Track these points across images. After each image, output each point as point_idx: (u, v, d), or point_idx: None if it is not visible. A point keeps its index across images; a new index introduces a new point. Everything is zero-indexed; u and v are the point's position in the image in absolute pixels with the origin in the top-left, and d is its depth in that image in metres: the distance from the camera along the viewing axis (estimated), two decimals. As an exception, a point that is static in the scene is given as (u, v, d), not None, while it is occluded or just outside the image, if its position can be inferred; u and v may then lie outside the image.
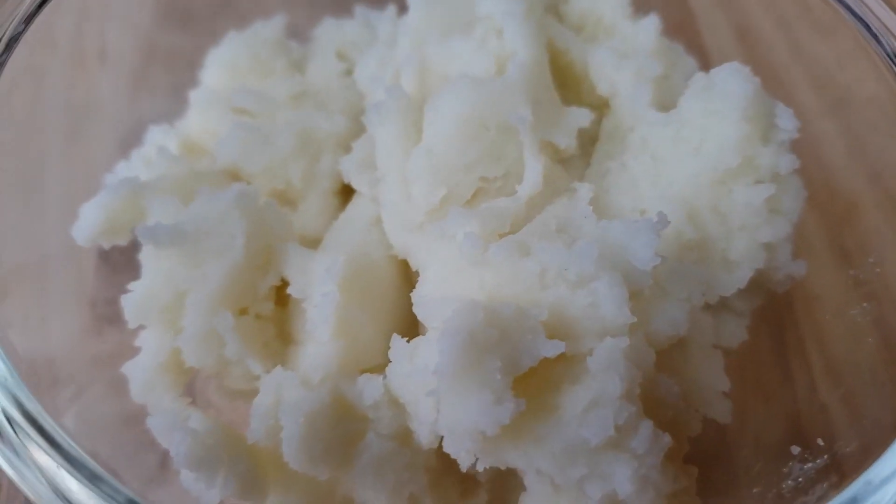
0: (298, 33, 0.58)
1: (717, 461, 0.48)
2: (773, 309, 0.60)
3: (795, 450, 0.42)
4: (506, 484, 0.44)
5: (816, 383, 0.51)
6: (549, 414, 0.36)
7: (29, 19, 0.50)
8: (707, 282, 0.40)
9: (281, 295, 0.47)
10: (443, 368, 0.34)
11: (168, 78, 0.69)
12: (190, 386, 0.52)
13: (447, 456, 0.42)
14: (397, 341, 0.39)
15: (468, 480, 0.44)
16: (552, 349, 0.36)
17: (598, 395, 0.36)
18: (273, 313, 0.46)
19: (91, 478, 0.36)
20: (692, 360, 0.43)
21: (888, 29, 0.50)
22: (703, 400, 0.44)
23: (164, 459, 0.49)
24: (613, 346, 0.36)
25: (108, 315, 0.59)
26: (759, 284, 0.50)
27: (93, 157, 0.66)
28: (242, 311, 0.45)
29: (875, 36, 0.53)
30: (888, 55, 0.52)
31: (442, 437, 0.39)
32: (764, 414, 0.51)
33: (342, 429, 0.39)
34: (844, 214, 0.64)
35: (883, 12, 0.51)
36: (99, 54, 0.71)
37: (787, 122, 0.43)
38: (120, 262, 0.57)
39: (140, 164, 0.50)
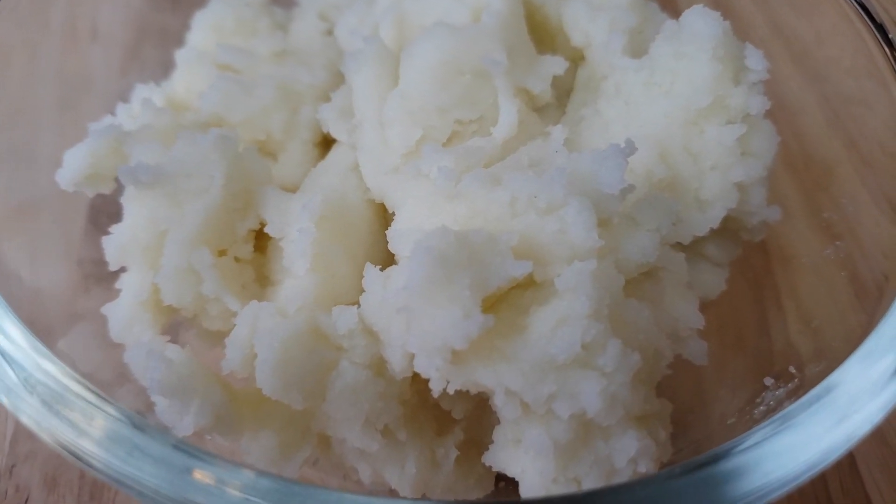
0: (284, 1, 0.60)
1: (694, 400, 0.49)
2: (751, 268, 0.60)
3: (769, 381, 0.42)
4: (482, 421, 0.45)
5: (789, 329, 0.51)
6: (518, 333, 0.37)
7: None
8: (677, 213, 0.41)
9: (261, 241, 0.48)
10: (412, 284, 0.35)
11: (158, 54, 0.71)
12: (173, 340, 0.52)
13: (423, 391, 0.42)
14: (370, 270, 0.40)
15: (444, 417, 0.45)
16: (520, 269, 0.36)
17: (565, 313, 0.36)
18: (253, 257, 0.47)
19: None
20: (666, 297, 0.43)
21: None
22: (677, 337, 0.44)
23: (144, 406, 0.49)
24: (581, 269, 0.37)
25: (96, 274, 0.60)
26: (734, 232, 0.51)
27: (83, 128, 0.67)
28: (221, 253, 0.45)
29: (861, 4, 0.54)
30: (874, 26, 0.53)
31: (417, 374, 0.40)
32: (741, 359, 0.52)
33: (316, 357, 0.39)
34: (821, 180, 0.65)
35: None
36: (91, 32, 0.73)
37: (756, 62, 0.44)
38: (108, 224, 0.58)
39: (126, 118, 0.51)
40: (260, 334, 0.39)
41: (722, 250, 0.51)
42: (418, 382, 0.42)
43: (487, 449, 0.44)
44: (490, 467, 0.42)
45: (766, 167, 0.46)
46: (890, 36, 0.54)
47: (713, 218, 0.45)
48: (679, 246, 0.47)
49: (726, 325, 0.56)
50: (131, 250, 0.44)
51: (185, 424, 0.39)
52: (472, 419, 0.45)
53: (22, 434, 0.56)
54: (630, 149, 0.38)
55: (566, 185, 0.37)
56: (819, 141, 0.68)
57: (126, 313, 0.45)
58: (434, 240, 0.36)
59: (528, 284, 0.39)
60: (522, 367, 0.36)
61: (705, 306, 0.57)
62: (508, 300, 0.39)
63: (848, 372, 0.34)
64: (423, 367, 0.36)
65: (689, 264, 0.50)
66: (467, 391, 0.42)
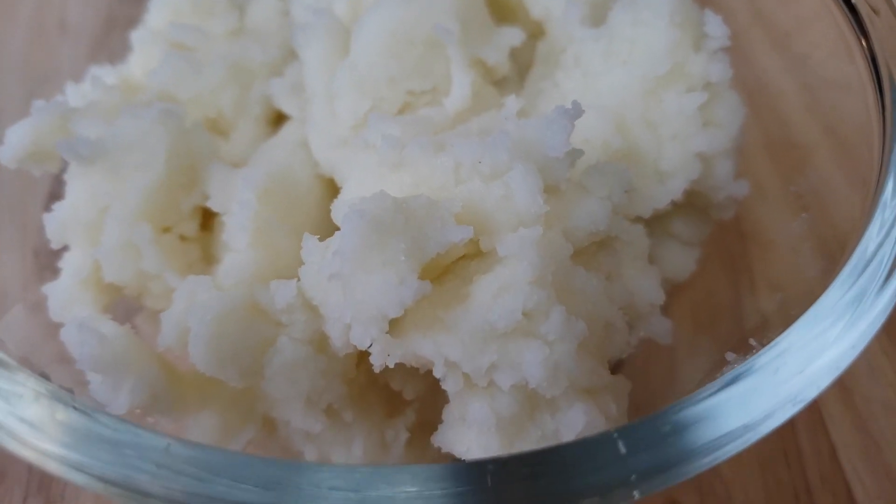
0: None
1: (667, 384, 0.47)
2: (727, 251, 0.59)
3: (730, 356, 0.40)
4: (435, 403, 0.43)
5: (763, 307, 0.49)
6: (460, 302, 0.35)
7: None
8: (629, 180, 0.39)
9: (208, 220, 0.47)
10: (345, 249, 0.33)
11: (126, 45, 0.70)
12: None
13: (372, 370, 0.41)
14: (309, 240, 0.38)
15: (395, 398, 0.43)
16: (460, 234, 0.34)
17: (507, 281, 0.34)
18: (199, 235, 0.45)
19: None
20: (624, 270, 0.41)
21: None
22: (638, 314, 0.42)
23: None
24: (525, 235, 0.35)
25: (51, 265, 0.58)
26: (703, 210, 0.49)
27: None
28: (166, 230, 0.44)
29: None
30: (850, 13, 0.52)
31: (364, 352, 0.38)
32: (716, 342, 0.50)
33: (253, 332, 0.38)
34: (799, 163, 0.64)
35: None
36: (59, 25, 0.72)
37: (716, 28, 0.43)
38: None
39: (75, 97, 0.50)
40: (194, 308, 0.37)
41: (691, 228, 0.49)
42: (366, 362, 0.40)
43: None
44: (440, 449, 0.40)
45: (731, 138, 0.45)
46: (864, 24, 0.52)
47: (674, 189, 0.43)
48: (644, 223, 0.45)
49: (700, 306, 0.54)
50: (73, 227, 0.43)
51: (119, 402, 0.37)
52: (425, 401, 0.44)
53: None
54: (577, 111, 0.36)
55: (511, 149, 0.36)
56: (799, 125, 0.66)
57: (66, 292, 0.43)
58: (369, 203, 0.34)
59: (474, 254, 0.38)
60: (462, 336, 0.34)
61: (679, 289, 0.55)
62: (455, 271, 0.38)
63: (792, 336, 0.32)
64: (359, 338, 0.35)
65: (657, 243, 0.49)
66: (418, 370, 0.40)
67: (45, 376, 0.36)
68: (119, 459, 0.31)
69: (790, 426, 0.56)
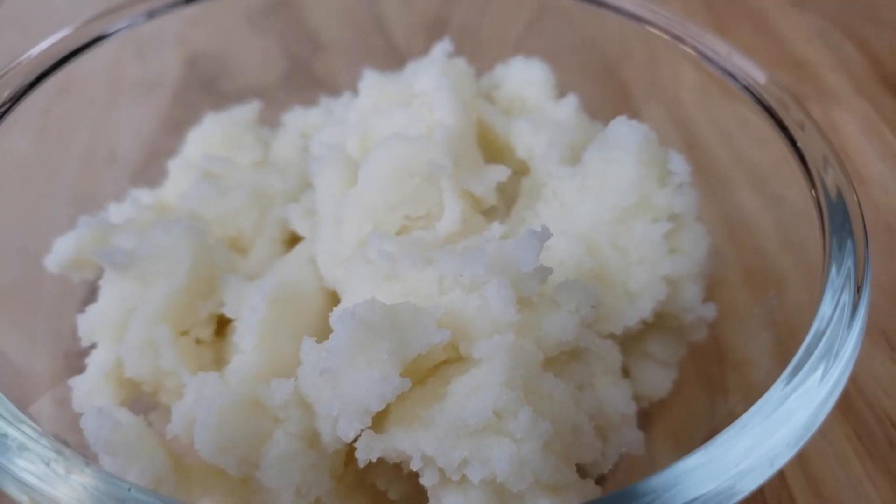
0: (272, 123, 0.67)
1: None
2: (706, 372, 0.62)
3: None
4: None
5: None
6: (437, 400, 0.39)
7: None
8: (597, 296, 0.43)
9: (222, 327, 0.51)
10: (335, 346, 0.38)
11: (164, 172, 0.78)
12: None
13: (359, 470, 0.44)
14: (307, 342, 0.43)
15: (381, 498, 0.46)
16: (439, 336, 0.39)
17: (480, 381, 0.38)
18: (212, 340, 0.50)
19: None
20: (596, 382, 0.45)
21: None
22: (610, 424, 0.46)
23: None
24: (499, 341, 0.39)
25: (79, 366, 0.64)
26: (677, 330, 0.53)
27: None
28: (183, 333, 0.49)
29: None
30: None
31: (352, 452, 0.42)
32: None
33: (253, 425, 0.42)
34: (776, 290, 0.69)
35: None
36: (109, 155, 0.81)
37: (678, 166, 0.49)
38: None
39: (116, 215, 0.56)
40: (201, 400, 0.41)
41: (665, 349, 0.53)
42: (354, 462, 0.44)
43: None
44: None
45: (696, 264, 0.49)
46: (812, 177, 0.56)
47: (642, 308, 0.47)
48: (620, 342, 0.50)
49: (680, 425, 0.57)
50: (101, 327, 0.48)
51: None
52: (410, 501, 0.46)
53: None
54: (545, 234, 0.42)
55: (488, 265, 0.41)
56: (775, 257, 0.72)
57: (90, 384, 0.48)
58: (360, 308, 0.39)
59: (455, 359, 0.42)
60: (438, 432, 0.38)
61: (659, 408, 0.58)
62: (436, 374, 0.42)
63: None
64: (344, 430, 0.38)
65: (634, 363, 0.53)
66: (402, 471, 0.43)
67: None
68: None
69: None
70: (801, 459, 0.61)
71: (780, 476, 0.59)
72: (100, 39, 0.61)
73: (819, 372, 0.38)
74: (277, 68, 0.85)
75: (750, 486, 0.35)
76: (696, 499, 0.33)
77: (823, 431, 0.63)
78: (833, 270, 0.43)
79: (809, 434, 0.37)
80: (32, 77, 0.57)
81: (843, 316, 0.41)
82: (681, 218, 0.49)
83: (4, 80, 0.55)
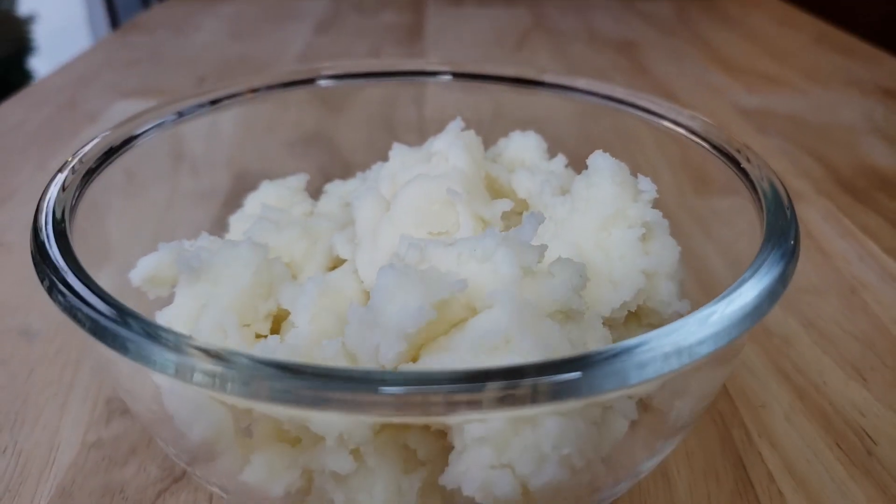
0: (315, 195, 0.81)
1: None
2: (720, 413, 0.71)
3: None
4: (443, 468, 0.52)
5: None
6: (459, 331, 0.48)
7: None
8: (584, 272, 0.54)
9: (277, 325, 0.61)
10: (378, 288, 0.48)
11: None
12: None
13: (392, 431, 0.52)
14: (353, 306, 0.52)
15: (411, 458, 0.53)
16: (459, 285, 0.49)
17: (492, 316, 0.48)
18: (269, 335, 0.60)
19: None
20: (588, 340, 0.54)
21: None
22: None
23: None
24: (507, 290, 0.49)
25: (121, 409, 0.73)
26: (657, 325, 0.62)
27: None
28: (245, 325, 0.58)
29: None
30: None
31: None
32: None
33: (306, 373, 0.50)
34: (781, 346, 0.80)
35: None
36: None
37: (647, 186, 0.61)
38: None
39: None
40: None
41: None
42: (389, 427, 0.52)
43: (447, 498, 0.52)
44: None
45: (669, 265, 0.60)
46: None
47: (625, 293, 0.57)
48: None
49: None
50: (177, 320, 0.58)
51: (193, 433, 0.49)
52: (436, 464, 0.53)
53: None
54: (540, 217, 0.53)
55: (496, 239, 0.52)
56: (777, 322, 0.83)
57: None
58: (398, 264, 0.50)
59: (469, 311, 0.52)
60: (459, 353, 0.47)
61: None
62: (458, 327, 0.51)
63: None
64: (385, 353, 0.47)
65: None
66: (432, 433, 0.52)
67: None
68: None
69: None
70: (787, 463, 0.67)
71: (769, 476, 0.66)
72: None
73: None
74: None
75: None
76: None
77: (807, 442, 0.69)
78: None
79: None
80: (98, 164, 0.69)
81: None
82: (652, 227, 0.60)
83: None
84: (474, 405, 0.39)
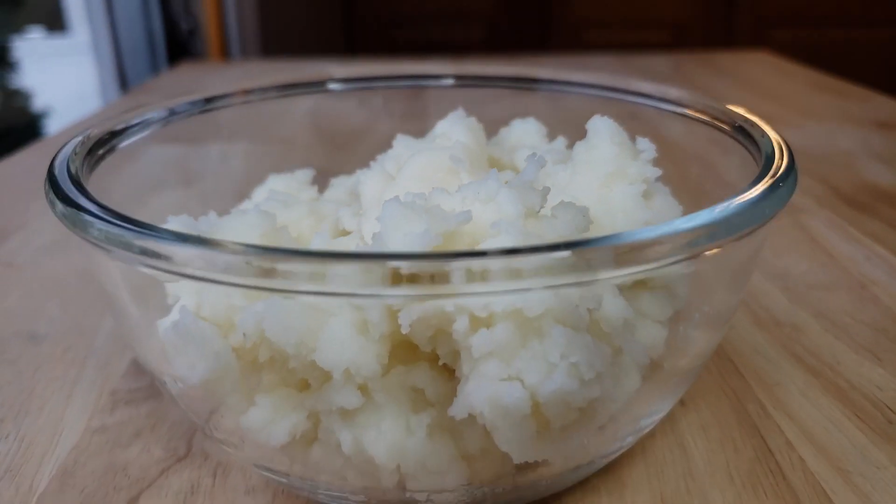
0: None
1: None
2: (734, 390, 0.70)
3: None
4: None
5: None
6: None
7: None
8: (587, 214, 0.54)
9: (283, 291, 0.61)
10: (384, 218, 0.49)
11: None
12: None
13: (400, 373, 0.52)
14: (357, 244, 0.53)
15: (419, 398, 0.52)
16: (463, 216, 0.50)
17: (496, 242, 0.48)
18: (275, 297, 0.60)
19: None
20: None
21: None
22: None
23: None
24: (509, 221, 0.50)
25: (126, 399, 0.73)
26: (663, 289, 0.62)
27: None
28: (252, 285, 0.59)
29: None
30: None
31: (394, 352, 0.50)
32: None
33: (312, 317, 0.50)
34: (791, 334, 0.80)
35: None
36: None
37: (645, 146, 0.62)
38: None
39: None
40: (271, 299, 0.51)
41: (656, 307, 0.61)
42: (398, 359, 0.52)
43: (457, 437, 0.51)
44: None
45: (672, 219, 0.60)
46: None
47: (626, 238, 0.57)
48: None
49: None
50: (183, 286, 0.58)
51: (196, 369, 0.49)
52: (444, 405, 0.52)
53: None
54: (541, 160, 0.54)
55: (499, 182, 0.53)
56: (787, 312, 0.84)
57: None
58: (403, 197, 0.50)
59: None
60: (464, 274, 0.47)
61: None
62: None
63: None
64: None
65: (633, 323, 0.61)
66: (442, 374, 0.51)
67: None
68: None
69: None
70: (806, 432, 0.65)
71: (788, 444, 0.64)
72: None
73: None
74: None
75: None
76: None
77: (825, 414, 0.68)
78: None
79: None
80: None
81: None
82: (651, 181, 0.61)
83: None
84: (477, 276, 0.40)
